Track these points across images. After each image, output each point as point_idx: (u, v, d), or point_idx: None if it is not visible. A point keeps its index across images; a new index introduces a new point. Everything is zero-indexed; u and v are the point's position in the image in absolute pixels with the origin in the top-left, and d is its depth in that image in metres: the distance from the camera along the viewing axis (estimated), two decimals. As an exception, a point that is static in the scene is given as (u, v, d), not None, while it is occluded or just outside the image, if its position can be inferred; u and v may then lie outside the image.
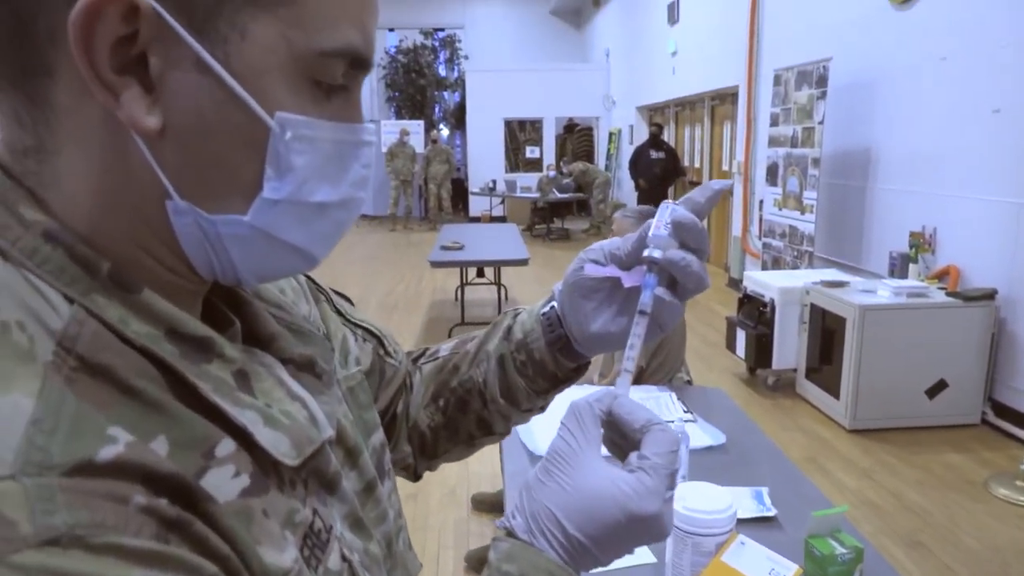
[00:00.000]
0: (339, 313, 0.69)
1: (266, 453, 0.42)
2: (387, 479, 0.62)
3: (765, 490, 1.70)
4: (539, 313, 0.68)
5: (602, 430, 0.51)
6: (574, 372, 0.68)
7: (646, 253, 0.56)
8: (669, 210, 0.56)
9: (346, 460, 0.54)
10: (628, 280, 0.58)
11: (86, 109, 0.39)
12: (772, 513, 1.62)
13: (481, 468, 3.43)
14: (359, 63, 0.43)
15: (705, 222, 0.59)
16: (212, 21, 0.38)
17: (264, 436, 0.42)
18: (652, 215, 0.60)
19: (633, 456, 0.49)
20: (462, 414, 0.73)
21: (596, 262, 0.61)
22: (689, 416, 2.16)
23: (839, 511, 1.38)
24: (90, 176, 0.40)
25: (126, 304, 0.40)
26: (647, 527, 0.48)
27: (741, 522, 1.49)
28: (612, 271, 0.59)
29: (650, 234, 0.57)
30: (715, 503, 1.31)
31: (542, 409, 0.72)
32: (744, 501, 1.64)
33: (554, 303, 0.67)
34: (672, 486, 0.49)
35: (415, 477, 0.79)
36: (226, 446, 0.40)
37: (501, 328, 0.71)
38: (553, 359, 0.66)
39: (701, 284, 0.57)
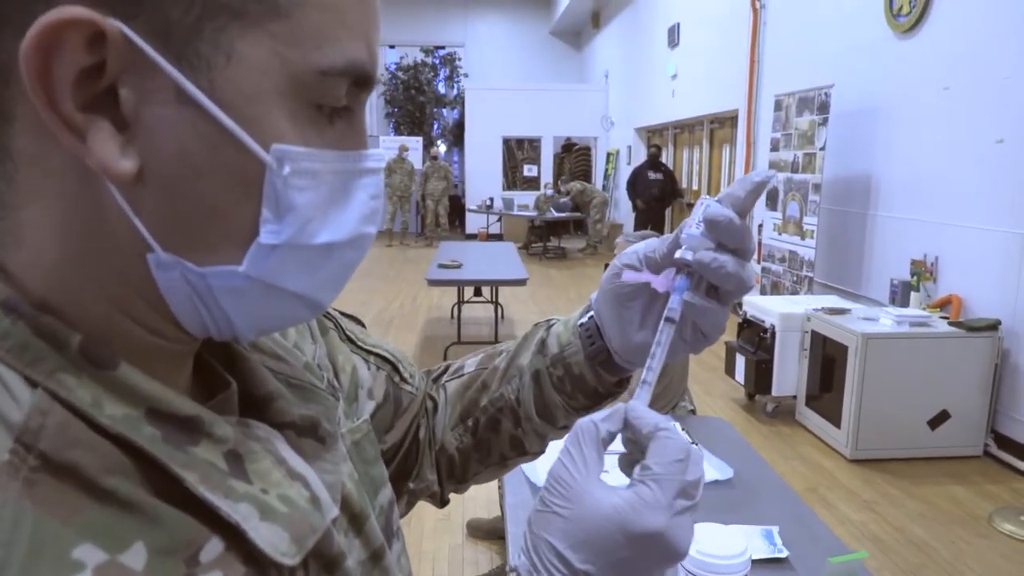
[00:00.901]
0: (350, 340, 0.65)
1: (262, 553, 0.37)
2: (396, 540, 0.57)
3: (775, 529, 1.65)
4: (576, 324, 0.63)
5: (604, 450, 0.47)
6: (616, 387, 0.64)
7: (677, 255, 0.53)
8: (704, 207, 0.52)
9: (351, 527, 0.49)
10: (661, 284, 0.54)
11: (50, 155, 0.33)
12: (784, 554, 1.56)
13: (476, 493, 3.35)
14: (363, 81, 0.38)
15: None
16: (192, 44, 0.32)
17: (260, 534, 0.36)
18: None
19: (637, 468, 0.45)
20: (494, 434, 0.68)
21: (631, 267, 0.56)
22: (696, 448, 2.11)
23: (857, 558, 1.32)
24: (57, 231, 0.35)
25: (99, 383, 0.34)
26: (654, 546, 0.42)
27: (752, 564, 1.44)
28: (646, 276, 0.55)
29: (683, 234, 0.52)
30: (729, 547, 1.25)
31: None
32: (754, 541, 1.59)
33: (591, 313, 0.62)
34: (687, 496, 0.44)
35: (441, 503, 0.74)
36: (213, 548, 0.35)
37: (534, 341, 0.66)
38: (594, 373, 0.62)
39: (741, 286, 0.52)
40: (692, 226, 0.52)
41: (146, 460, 0.34)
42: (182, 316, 0.38)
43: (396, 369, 0.67)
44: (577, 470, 0.45)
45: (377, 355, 0.66)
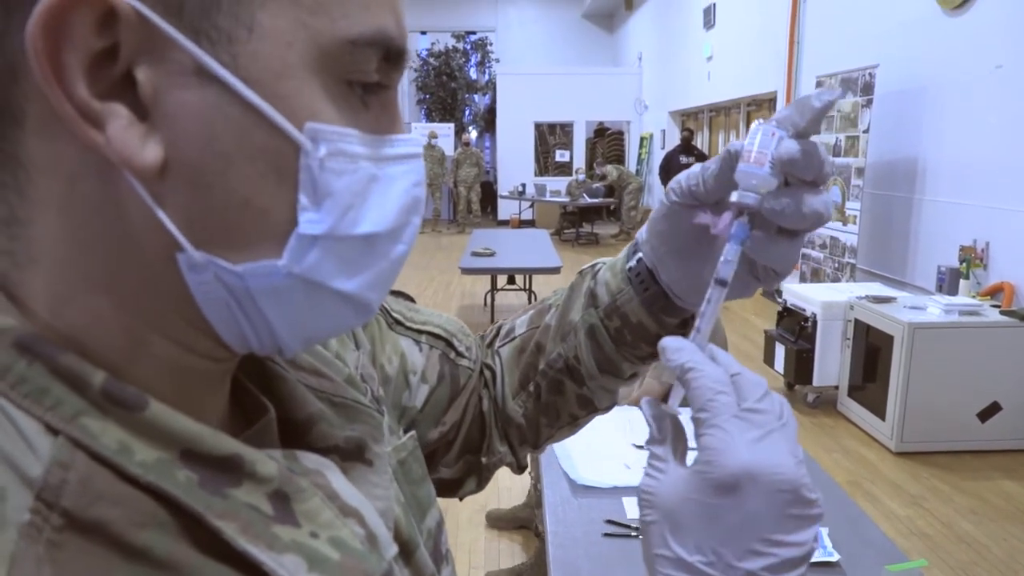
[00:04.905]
0: (398, 322, 0.61)
1: None
2: (445, 565, 0.53)
3: (825, 531, 1.59)
4: (624, 268, 0.57)
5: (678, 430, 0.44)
6: (679, 329, 0.58)
7: (734, 198, 0.44)
8: (775, 141, 0.42)
9: (399, 557, 0.45)
10: (719, 229, 0.45)
11: (65, 157, 0.30)
12: (835, 558, 1.50)
13: (512, 483, 3.34)
14: (395, 55, 0.35)
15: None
16: (210, 17, 0.30)
17: None
18: None
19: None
20: (559, 396, 0.63)
21: (683, 205, 0.50)
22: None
23: (916, 566, 1.26)
24: (76, 242, 0.32)
25: (127, 426, 0.31)
26: (752, 492, 0.37)
27: (803, 569, 1.38)
28: (704, 216, 0.47)
29: (740, 167, 0.43)
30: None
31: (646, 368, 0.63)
32: (804, 544, 1.53)
33: (640, 255, 0.56)
34: (756, 424, 0.39)
35: (519, 469, 0.70)
36: None
37: (581, 293, 0.61)
38: (654, 319, 0.56)
39: (819, 221, 0.44)
40: (757, 161, 0.43)
41: (183, 508, 0.31)
42: (219, 325, 0.35)
43: (450, 344, 0.64)
44: (657, 470, 0.42)
45: (428, 333, 0.63)
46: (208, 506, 0.32)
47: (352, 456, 0.43)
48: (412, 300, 0.66)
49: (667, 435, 0.44)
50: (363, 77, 0.34)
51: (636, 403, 2.37)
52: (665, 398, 0.46)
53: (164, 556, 0.30)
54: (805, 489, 0.38)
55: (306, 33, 0.32)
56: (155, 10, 0.29)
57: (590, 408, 0.64)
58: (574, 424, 0.66)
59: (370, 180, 0.35)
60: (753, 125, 0.44)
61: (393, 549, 0.40)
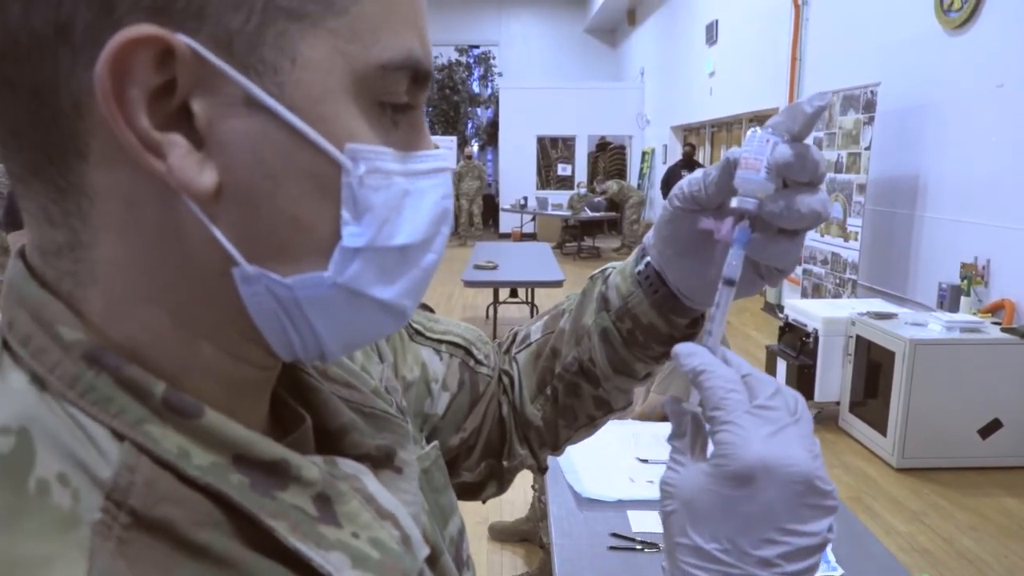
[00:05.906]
0: (418, 332, 0.64)
1: None
2: (467, 571, 0.56)
3: (828, 546, 1.60)
4: (633, 272, 0.59)
5: (699, 427, 0.45)
6: (690, 328, 0.60)
7: (734, 203, 0.46)
8: (770, 147, 0.45)
9: (425, 563, 0.47)
10: (722, 235, 0.47)
11: (126, 185, 0.33)
12: (838, 572, 1.52)
13: (515, 496, 3.34)
14: (422, 76, 0.37)
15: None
16: (256, 51, 0.32)
17: None
18: None
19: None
20: (576, 399, 0.65)
21: (684, 209, 0.52)
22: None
23: (920, 580, 1.27)
24: (135, 262, 0.34)
25: (185, 432, 0.34)
26: (766, 483, 0.39)
27: (807, 583, 1.39)
28: (707, 222, 0.49)
29: (739, 174, 0.46)
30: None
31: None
32: (808, 558, 1.54)
33: (648, 258, 0.58)
34: (769, 420, 0.41)
35: (541, 471, 0.72)
36: None
37: (593, 297, 0.63)
38: (664, 320, 0.58)
39: (818, 220, 0.46)
40: (753, 168, 0.45)
41: (236, 509, 0.34)
42: (269, 335, 0.37)
43: (469, 352, 0.66)
44: (677, 463, 0.44)
45: (448, 342, 0.65)
46: (260, 507, 0.34)
47: (383, 464, 0.45)
48: (432, 311, 0.68)
49: (687, 431, 0.46)
50: (394, 99, 0.36)
51: (640, 418, 2.38)
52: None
53: (222, 553, 0.32)
54: (819, 481, 0.40)
55: (342, 60, 0.34)
56: (208, 47, 0.31)
57: (606, 408, 0.66)
58: (591, 425, 0.68)
59: (403, 194, 0.37)
60: (749, 133, 0.47)
61: (425, 550, 0.43)
